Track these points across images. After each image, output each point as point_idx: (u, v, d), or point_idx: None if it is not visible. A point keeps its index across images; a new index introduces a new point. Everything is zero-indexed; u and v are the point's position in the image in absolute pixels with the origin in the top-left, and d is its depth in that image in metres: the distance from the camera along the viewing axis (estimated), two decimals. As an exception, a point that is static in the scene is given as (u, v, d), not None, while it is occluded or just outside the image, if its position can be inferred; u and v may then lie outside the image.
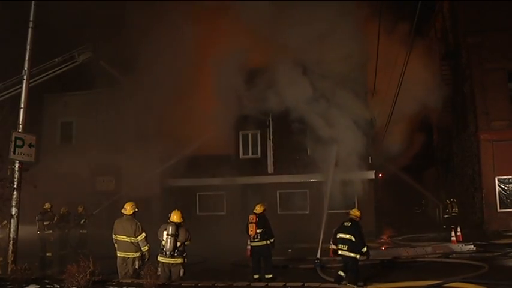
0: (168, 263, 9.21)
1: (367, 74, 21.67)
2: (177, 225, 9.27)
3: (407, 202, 35.25)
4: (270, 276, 11.69)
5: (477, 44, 22.01)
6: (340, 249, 10.41)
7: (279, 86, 20.25)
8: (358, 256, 10.32)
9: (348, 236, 10.31)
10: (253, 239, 11.78)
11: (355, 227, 10.43)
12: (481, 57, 21.82)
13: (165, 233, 9.17)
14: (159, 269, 9.14)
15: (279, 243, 18.28)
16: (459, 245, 16.13)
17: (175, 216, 9.38)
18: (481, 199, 21.43)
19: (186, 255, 9.40)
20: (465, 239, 17.57)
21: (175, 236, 9.13)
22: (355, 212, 10.75)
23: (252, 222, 11.78)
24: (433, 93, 23.67)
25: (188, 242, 9.43)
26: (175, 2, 22.15)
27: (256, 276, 11.79)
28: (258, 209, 11.97)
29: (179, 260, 9.24)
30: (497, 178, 21.07)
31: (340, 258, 10.85)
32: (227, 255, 15.95)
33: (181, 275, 9.24)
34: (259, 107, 21.66)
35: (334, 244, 10.65)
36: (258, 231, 11.71)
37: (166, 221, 9.46)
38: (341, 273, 10.37)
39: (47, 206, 16.31)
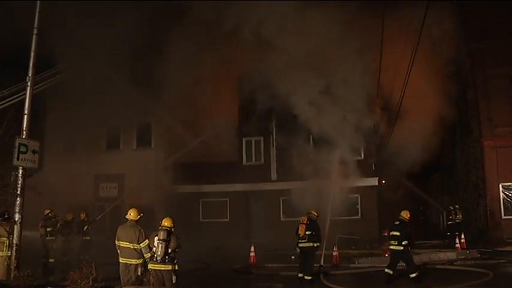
0: (159, 269, 9.04)
1: (371, 79, 21.65)
2: (169, 232, 9.14)
3: (410, 209, 35.05)
4: (310, 278, 12.34)
5: (480, 50, 21.98)
6: (392, 245, 12.06)
7: (282, 92, 20.29)
8: (402, 248, 11.84)
9: (397, 233, 11.97)
10: (301, 239, 12.49)
11: (401, 225, 12.07)
12: (484, 63, 21.79)
13: (156, 238, 9.04)
14: (151, 277, 8.98)
15: (281, 249, 18.36)
16: (463, 252, 16.06)
17: (166, 222, 9.27)
18: (485, 206, 21.33)
19: (177, 262, 9.23)
20: (469, 246, 17.49)
21: (166, 242, 8.99)
22: (405, 214, 12.34)
23: (302, 223, 12.54)
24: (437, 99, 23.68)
25: (178, 249, 9.26)
26: (177, 5, 22.24)
27: (308, 278, 12.43)
28: (312, 213, 12.90)
29: (170, 267, 9.07)
30: (501, 185, 20.96)
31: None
32: (230, 261, 15.90)
33: (173, 281, 9.08)
34: (263, 113, 21.74)
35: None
36: (306, 232, 12.43)
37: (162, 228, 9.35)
38: (388, 270, 11.93)
39: (47, 211, 16.28)
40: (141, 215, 9.77)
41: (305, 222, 12.54)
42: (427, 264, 14.54)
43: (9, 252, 10.69)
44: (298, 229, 12.55)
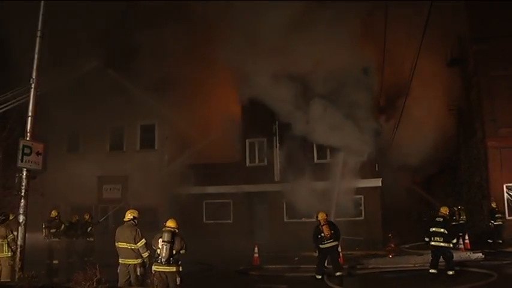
0: (163, 271, 8.97)
1: (374, 80, 21.67)
2: (173, 233, 9.07)
3: (414, 209, 35.02)
4: (341, 273, 12.54)
5: (483, 51, 21.94)
6: (435, 241, 12.08)
7: (285, 95, 20.32)
8: (451, 245, 12.10)
9: (442, 230, 12.06)
10: (328, 239, 12.58)
11: (446, 222, 12.27)
12: (487, 65, 21.74)
13: (160, 240, 8.96)
14: (155, 279, 8.93)
15: (285, 250, 18.35)
16: (467, 253, 16.00)
17: (170, 223, 9.20)
18: (489, 206, 21.28)
19: (181, 263, 9.16)
20: (473, 247, 17.44)
21: (171, 243, 8.90)
22: (444, 210, 12.56)
23: (325, 224, 12.71)
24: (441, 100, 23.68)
25: (183, 251, 9.14)
26: (182, 6, 22.29)
27: (319, 277, 12.63)
28: (324, 216, 13.09)
29: (174, 269, 8.98)
30: (505, 185, 20.91)
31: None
32: (233, 262, 15.91)
33: (178, 283, 9.02)
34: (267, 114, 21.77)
35: (427, 237, 12.27)
36: (332, 232, 12.63)
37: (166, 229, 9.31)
38: (432, 270, 12.09)
39: (54, 213, 16.33)
40: (134, 215, 9.76)
41: (327, 223, 12.77)
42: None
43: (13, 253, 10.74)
44: (320, 230, 12.66)
